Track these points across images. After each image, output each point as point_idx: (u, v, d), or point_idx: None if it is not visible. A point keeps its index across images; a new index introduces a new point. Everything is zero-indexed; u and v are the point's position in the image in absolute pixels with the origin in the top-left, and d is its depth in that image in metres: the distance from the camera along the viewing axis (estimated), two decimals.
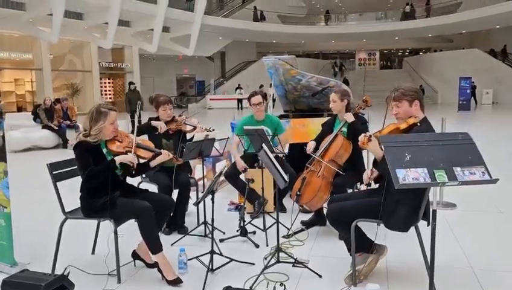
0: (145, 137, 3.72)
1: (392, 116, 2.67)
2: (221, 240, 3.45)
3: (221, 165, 5.26)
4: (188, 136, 3.99)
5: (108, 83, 25.15)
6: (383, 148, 2.11)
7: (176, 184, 3.62)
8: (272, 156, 2.80)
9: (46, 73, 18.86)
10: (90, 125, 2.76)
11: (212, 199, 2.83)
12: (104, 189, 2.72)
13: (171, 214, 3.33)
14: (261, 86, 16.68)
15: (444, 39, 31.93)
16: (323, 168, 3.50)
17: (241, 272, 2.88)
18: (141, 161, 2.92)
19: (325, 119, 4.16)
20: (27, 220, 4.08)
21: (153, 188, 3.53)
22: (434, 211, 2.15)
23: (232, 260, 2.98)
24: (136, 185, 3.16)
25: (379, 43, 33.84)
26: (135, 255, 3.00)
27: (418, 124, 2.54)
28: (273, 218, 3.66)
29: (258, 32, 26.47)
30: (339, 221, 2.72)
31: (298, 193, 3.51)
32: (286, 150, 4.69)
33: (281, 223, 3.29)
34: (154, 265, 2.85)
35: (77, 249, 3.31)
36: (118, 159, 2.76)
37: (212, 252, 2.87)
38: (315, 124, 4.58)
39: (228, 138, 4.37)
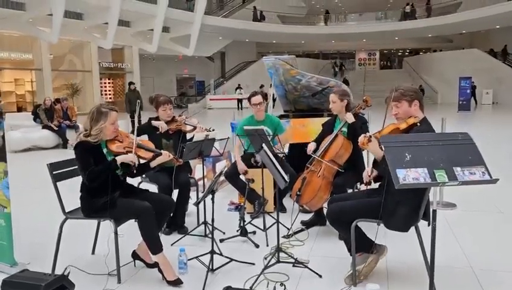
0: (145, 137, 3.72)
1: (391, 116, 2.67)
2: (221, 240, 3.45)
3: (221, 165, 5.27)
4: (188, 136, 3.99)
5: (108, 83, 25.17)
6: (383, 148, 2.11)
7: (176, 184, 3.62)
8: (272, 156, 2.80)
9: (46, 73, 18.87)
10: (91, 125, 2.76)
11: (212, 199, 2.83)
12: (104, 189, 2.72)
13: (171, 214, 3.33)
14: (262, 86, 16.68)
15: (444, 39, 31.94)
16: (323, 168, 3.50)
17: (241, 272, 2.88)
18: (141, 161, 2.92)
19: (325, 119, 4.16)
20: (27, 220, 4.08)
21: (153, 188, 3.53)
22: (434, 211, 2.15)
23: (232, 260, 2.98)
24: (136, 185, 3.16)
25: (379, 43, 33.85)
26: (135, 256, 3.00)
27: (418, 124, 2.54)
28: (273, 218, 3.66)
29: (258, 32, 26.48)
30: (339, 221, 2.72)
31: (298, 193, 3.51)
32: (286, 150, 4.70)
33: (281, 223, 3.29)
34: (154, 265, 2.85)
35: (77, 249, 3.31)
36: (120, 159, 2.76)
37: (212, 252, 2.87)
38: (315, 124, 4.58)
39: (228, 138, 4.37)
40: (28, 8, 15.81)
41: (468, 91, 19.40)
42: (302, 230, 3.66)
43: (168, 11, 18.89)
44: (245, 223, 3.57)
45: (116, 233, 2.74)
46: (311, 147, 3.65)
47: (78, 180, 2.87)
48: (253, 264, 2.99)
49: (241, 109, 22.46)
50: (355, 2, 30.71)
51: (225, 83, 29.73)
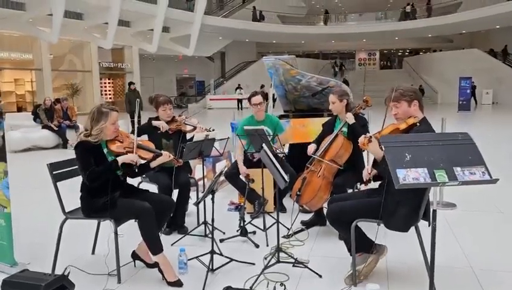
0: (145, 137, 3.72)
1: (391, 116, 2.67)
2: (221, 240, 3.45)
3: (221, 165, 5.26)
4: (188, 136, 3.99)
5: (108, 83, 25.18)
6: (383, 148, 2.11)
7: (176, 184, 3.62)
8: (272, 156, 2.80)
9: (46, 73, 18.88)
10: (92, 125, 2.76)
11: (212, 199, 2.83)
12: (104, 189, 2.72)
13: (171, 214, 3.33)
14: (262, 86, 16.67)
15: (444, 39, 31.94)
16: (323, 168, 3.50)
17: (241, 272, 2.88)
18: (141, 161, 2.92)
19: (325, 119, 4.16)
20: (27, 220, 4.08)
21: (153, 188, 3.53)
22: (434, 211, 2.15)
23: (232, 260, 2.98)
24: (136, 185, 3.16)
25: (379, 43, 33.85)
26: (135, 256, 3.00)
27: (418, 124, 2.54)
28: (273, 218, 3.66)
29: (258, 33, 26.49)
30: (339, 221, 2.72)
31: (298, 192, 3.51)
32: (286, 150, 4.69)
33: (281, 223, 3.29)
34: (154, 265, 2.85)
35: (77, 249, 3.31)
36: (121, 160, 2.76)
37: (212, 252, 2.87)
38: (315, 124, 4.58)
39: (228, 138, 4.37)
40: (28, 8, 15.82)
41: (468, 91, 19.40)
42: (302, 230, 3.66)
43: (168, 11, 18.90)
44: (245, 223, 3.57)
45: (116, 233, 2.74)
46: (312, 148, 3.65)
47: (78, 180, 2.87)
48: (253, 264, 2.99)
49: (241, 109, 22.46)
50: (355, 2, 30.72)
51: (225, 83, 29.73)
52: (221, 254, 3.01)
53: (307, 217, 3.85)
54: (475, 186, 2.23)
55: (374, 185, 2.81)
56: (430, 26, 25.43)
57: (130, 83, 13.23)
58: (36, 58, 19.11)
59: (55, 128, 9.53)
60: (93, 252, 3.25)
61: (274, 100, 6.86)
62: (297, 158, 4.25)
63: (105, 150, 2.82)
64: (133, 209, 2.73)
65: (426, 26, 25.59)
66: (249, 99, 4.24)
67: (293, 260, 2.93)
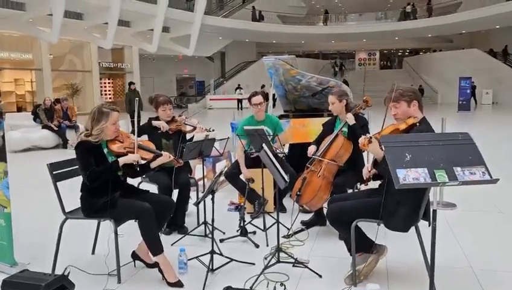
0: (145, 137, 3.72)
1: (391, 117, 2.67)
2: (221, 240, 3.45)
3: (221, 165, 5.27)
4: (188, 136, 3.99)
5: (108, 83, 25.18)
6: (383, 148, 2.11)
7: (175, 184, 3.62)
8: (272, 156, 2.80)
9: (46, 73, 18.88)
10: (92, 125, 2.76)
11: (212, 199, 2.83)
12: (104, 189, 2.72)
13: (171, 215, 3.32)
14: (263, 86, 16.67)
15: (444, 39, 31.95)
16: (323, 168, 3.50)
17: (242, 272, 2.88)
18: (142, 161, 2.92)
19: (325, 119, 4.16)
20: (27, 220, 4.08)
21: (153, 188, 3.52)
22: (434, 211, 2.15)
23: (232, 260, 2.98)
24: (136, 186, 3.16)
25: (379, 43, 33.86)
26: (135, 256, 3.00)
27: (417, 124, 2.54)
28: (273, 218, 3.66)
29: (258, 33, 26.49)
30: (339, 221, 2.72)
31: (298, 193, 3.51)
32: (286, 150, 4.69)
33: (281, 223, 3.29)
34: (154, 265, 2.85)
35: (77, 249, 3.31)
36: (122, 161, 2.76)
37: (212, 252, 2.87)
38: (315, 124, 4.58)
39: (228, 138, 4.37)
40: (28, 8, 15.82)
41: (468, 91, 19.41)
42: (302, 230, 3.66)
43: (168, 11, 18.90)
44: (245, 223, 3.57)
45: (116, 233, 2.74)
46: (312, 150, 3.65)
47: (78, 180, 2.87)
48: (253, 264, 2.99)
49: (241, 109, 22.47)
50: (355, 2, 30.72)
51: (225, 83, 29.73)
52: (221, 254, 3.01)
53: (307, 217, 3.85)
54: (475, 186, 2.23)
55: (374, 184, 2.81)
56: (430, 26, 25.44)
57: (130, 83, 13.23)
58: (36, 58, 19.11)
59: (55, 129, 9.53)
60: (93, 252, 3.25)
61: (274, 100, 6.86)
62: (297, 158, 4.25)
63: (105, 150, 2.82)
64: (133, 210, 2.73)
65: (426, 26, 25.60)
66: (249, 99, 4.24)
67: (293, 260, 2.93)
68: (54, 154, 8.60)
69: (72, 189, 3.02)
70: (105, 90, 24.76)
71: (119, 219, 2.78)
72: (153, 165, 2.95)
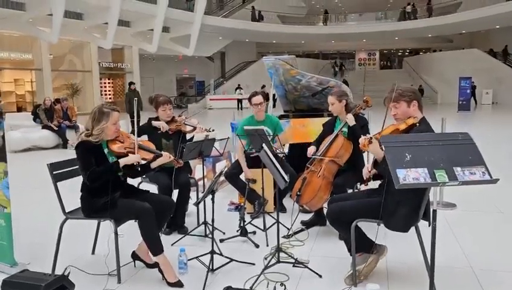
0: (145, 137, 3.72)
1: (391, 117, 2.67)
2: (222, 240, 3.45)
3: (221, 165, 5.27)
4: (188, 136, 3.99)
5: (108, 83, 25.18)
6: (383, 148, 2.11)
7: (175, 184, 3.62)
8: (272, 156, 2.80)
9: (46, 73, 18.88)
10: (93, 125, 2.76)
11: (212, 199, 2.83)
12: (104, 189, 2.72)
13: (171, 215, 3.32)
14: (263, 87, 16.66)
15: (444, 39, 31.95)
16: (323, 168, 3.50)
17: (242, 272, 2.88)
18: (142, 162, 2.92)
19: (325, 119, 4.16)
20: (27, 220, 4.08)
21: (153, 188, 3.53)
22: (434, 211, 2.15)
23: (232, 260, 2.98)
24: (136, 186, 3.16)
25: (379, 43, 33.86)
26: (135, 256, 3.00)
27: (417, 124, 2.54)
28: (273, 218, 3.66)
29: (257, 33, 26.49)
30: (339, 221, 2.72)
31: (298, 193, 3.51)
32: (286, 150, 4.69)
33: (281, 223, 3.29)
34: (154, 265, 2.85)
35: (77, 249, 3.31)
36: (122, 162, 2.76)
37: (212, 252, 2.87)
38: (315, 124, 4.58)
39: (228, 138, 4.37)
40: (28, 8, 15.82)
41: (468, 91, 19.41)
42: (302, 230, 3.66)
43: (168, 11, 18.90)
44: (245, 223, 3.57)
45: (116, 233, 2.74)
46: (311, 150, 3.65)
47: (78, 180, 2.87)
48: (253, 264, 2.99)
49: (241, 109, 22.47)
50: (355, 2, 30.72)
51: (225, 83, 29.73)
52: (221, 254, 3.01)
53: (307, 217, 3.85)
54: (475, 186, 2.23)
55: (374, 184, 2.81)
56: (430, 26, 25.44)
57: (131, 83, 13.24)
58: (36, 58, 19.11)
59: (55, 129, 9.53)
60: (93, 252, 3.25)
61: (274, 100, 6.86)
62: (297, 158, 4.25)
63: (105, 150, 2.82)
64: (133, 210, 2.73)
65: (426, 26, 25.60)
66: (250, 99, 4.24)
67: (293, 260, 2.93)
68: (54, 154, 8.60)
69: (72, 189, 3.02)
70: (105, 90, 24.76)
71: (119, 219, 2.78)
72: (153, 165, 2.95)
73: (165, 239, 3.35)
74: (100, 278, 2.80)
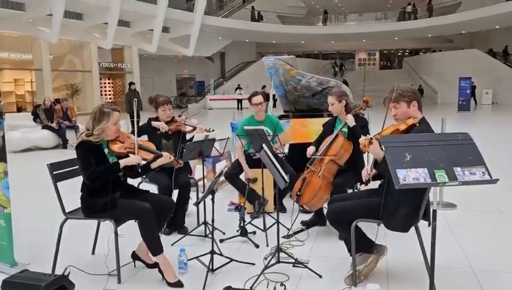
0: (145, 137, 3.73)
1: (391, 117, 2.67)
2: (222, 240, 3.45)
3: (221, 166, 5.27)
4: (188, 136, 3.99)
5: (108, 83, 25.18)
6: (383, 148, 2.11)
7: (175, 184, 3.62)
8: (272, 156, 2.80)
9: (46, 73, 18.87)
10: (93, 125, 2.76)
11: (212, 199, 2.83)
12: (104, 189, 2.73)
13: (171, 215, 3.32)
14: (264, 87, 16.66)
15: (444, 39, 31.95)
16: (323, 168, 3.50)
17: (242, 272, 2.88)
18: (143, 162, 2.92)
19: (325, 119, 4.16)
20: (27, 220, 4.08)
21: (153, 188, 3.53)
22: (434, 211, 2.15)
23: (232, 260, 2.98)
24: (136, 186, 3.16)
25: (379, 43, 33.86)
26: (135, 256, 3.00)
27: (417, 124, 2.54)
28: (273, 218, 3.66)
29: (257, 33, 26.49)
30: (339, 221, 2.73)
31: (298, 193, 3.51)
32: (286, 150, 4.69)
33: (281, 223, 3.29)
34: (154, 265, 2.85)
35: (77, 249, 3.31)
36: (123, 163, 2.76)
37: (212, 253, 2.87)
38: (315, 124, 4.58)
39: (228, 138, 4.37)
40: (28, 8, 15.82)
41: (468, 91, 19.41)
42: (302, 230, 3.66)
43: (168, 11, 18.91)
44: (245, 223, 3.57)
45: (116, 233, 2.74)
46: (310, 150, 3.65)
47: (78, 180, 2.87)
48: (254, 264, 2.99)
49: (241, 109, 22.47)
50: (355, 2, 30.72)
51: (225, 83, 29.73)
52: (221, 254, 3.01)
53: (307, 217, 3.85)
54: (475, 187, 2.23)
55: (374, 185, 2.81)
56: (429, 26, 25.44)
57: (131, 83, 13.24)
58: (36, 59, 19.11)
59: (55, 129, 9.53)
60: (93, 252, 3.25)
61: (275, 100, 6.86)
62: (297, 158, 4.25)
63: (106, 150, 2.82)
64: (133, 210, 2.73)
65: (426, 26, 25.60)
66: (250, 99, 4.24)
67: (293, 260, 2.93)
68: (54, 154, 8.60)
69: (72, 189, 3.02)
70: (105, 91, 24.76)
71: (119, 219, 2.78)
72: (154, 165, 2.95)
73: (165, 239, 3.35)
74: (100, 278, 2.80)
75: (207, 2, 21.21)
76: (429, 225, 2.44)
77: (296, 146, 4.92)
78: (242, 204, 3.98)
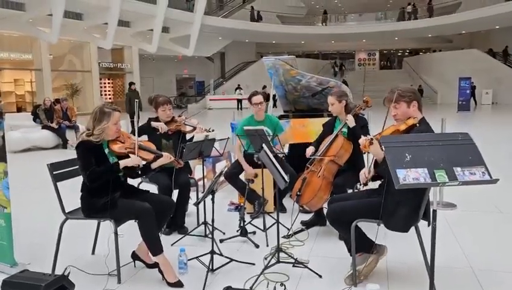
0: (145, 137, 3.72)
1: (391, 117, 2.67)
2: (221, 240, 3.45)
3: (221, 166, 5.27)
4: (188, 136, 3.99)
5: (108, 83, 25.18)
6: (383, 148, 2.11)
7: (175, 184, 3.62)
8: (272, 156, 2.80)
9: (45, 73, 18.87)
10: (94, 125, 2.76)
11: (212, 199, 2.83)
12: (104, 189, 2.73)
13: (171, 215, 3.32)
14: (264, 87, 16.66)
15: (444, 39, 31.95)
16: (323, 168, 3.50)
17: (242, 272, 2.88)
18: (143, 163, 2.92)
19: (325, 119, 4.16)
20: (27, 220, 4.08)
21: (153, 188, 3.53)
22: (434, 211, 2.15)
23: (232, 260, 2.98)
24: (136, 186, 3.16)
25: (379, 43, 33.87)
26: (135, 256, 3.00)
27: (417, 124, 2.55)
28: (273, 218, 3.66)
29: (257, 33, 26.49)
30: (339, 221, 2.73)
31: (298, 193, 3.51)
32: (286, 150, 4.69)
33: (281, 223, 3.29)
34: (154, 265, 2.85)
35: (77, 249, 3.31)
36: (123, 163, 2.76)
37: (212, 253, 2.87)
38: (315, 124, 4.58)
39: (228, 138, 4.37)
40: (28, 8, 15.82)
41: (468, 91, 19.41)
42: (302, 230, 3.66)
43: (168, 11, 18.91)
44: (245, 223, 3.57)
45: (116, 233, 2.74)
46: (310, 150, 3.65)
47: (78, 180, 2.87)
48: (253, 264, 2.99)
49: (241, 109, 22.48)
50: (355, 2, 30.72)
51: (225, 83, 29.73)
52: (221, 254, 3.01)
53: (307, 217, 3.85)
54: (475, 187, 2.23)
55: (374, 185, 2.81)
56: (429, 26, 25.45)
57: (131, 83, 13.26)
58: (36, 59, 19.11)
59: (55, 129, 9.53)
60: (93, 252, 3.25)
61: (275, 100, 6.86)
62: (297, 158, 4.25)
63: (106, 150, 2.82)
64: (133, 210, 2.73)
65: (426, 26, 25.61)
66: (250, 98, 4.24)
67: (293, 260, 2.93)
68: (53, 154, 8.60)
69: (72, 189, 3.02)
70: (105, 91, 24.76)
71: (119, 219, 2.78)
72: (154, 166, 2.95)
73: (165, 239, 3.35)
74: (100, 278, 2.80)
75: (207, 2, 21.21)
76: (429, 225, 2.44)
77: (296, 146, 4.92)
78: (242, 204, 3.98)
